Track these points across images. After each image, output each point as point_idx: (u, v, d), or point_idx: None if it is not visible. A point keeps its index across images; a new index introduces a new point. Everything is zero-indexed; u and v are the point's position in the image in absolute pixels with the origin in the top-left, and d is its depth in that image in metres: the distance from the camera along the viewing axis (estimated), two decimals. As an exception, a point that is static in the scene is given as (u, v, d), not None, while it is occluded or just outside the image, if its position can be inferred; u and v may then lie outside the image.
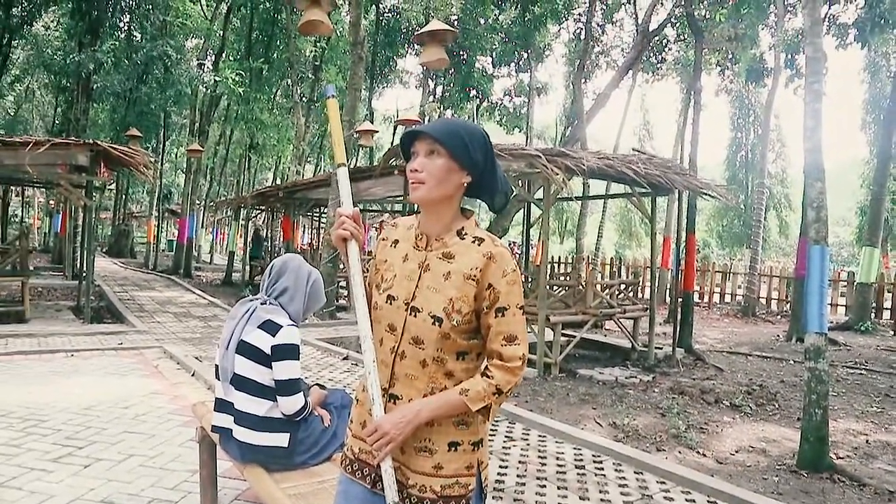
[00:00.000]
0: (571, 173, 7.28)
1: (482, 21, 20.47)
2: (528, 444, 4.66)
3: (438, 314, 1.51)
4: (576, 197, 12.74)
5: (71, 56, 15.26)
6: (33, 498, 3.28)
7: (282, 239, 16.92)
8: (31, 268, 10.52)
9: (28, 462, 3.77)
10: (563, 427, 4.96)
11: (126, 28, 18.72)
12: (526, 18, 19.31)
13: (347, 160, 11.14)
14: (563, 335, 7.92)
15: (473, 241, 1.58)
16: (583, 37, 18.77)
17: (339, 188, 1.68)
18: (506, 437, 4.82)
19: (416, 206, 1.67)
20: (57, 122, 22.92)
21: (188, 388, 5.84)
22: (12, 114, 26.61)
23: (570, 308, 8.12)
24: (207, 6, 21.78)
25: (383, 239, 1.72)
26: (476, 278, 1.52)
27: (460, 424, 1.56)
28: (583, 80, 18.02)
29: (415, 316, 1.54)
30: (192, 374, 6.37)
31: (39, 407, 4.94)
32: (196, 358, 7.11)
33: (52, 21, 20.31)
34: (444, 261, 1.57)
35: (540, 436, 4.89)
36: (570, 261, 22.02)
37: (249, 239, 18.99)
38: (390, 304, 1.58)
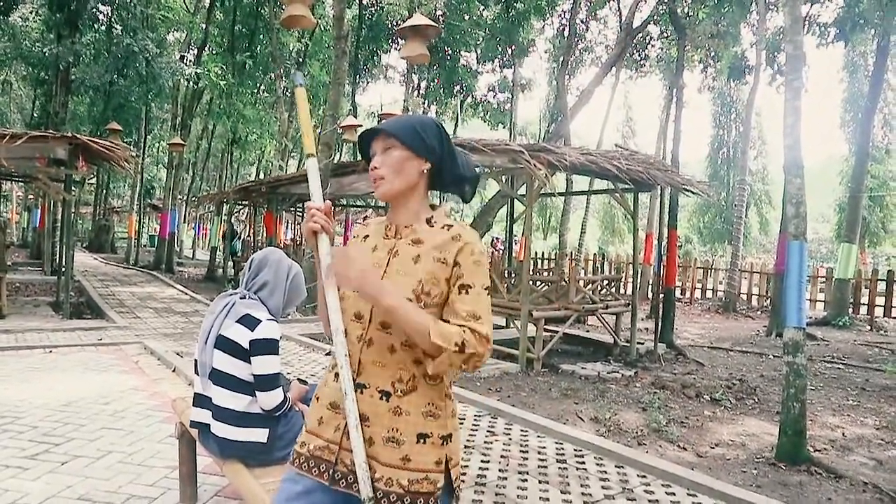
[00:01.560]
0: (554, 169, 7.31)
1: (466, 17, 20.45)
2: (510, 439, 4.67)
3: (408, 296, 1.50)
4: (559, 193, 12.79)
5: (49, 48, 15.02)
6: (8, 496, 3.23)
7: (264, 234, 16.81)
8: (9, 263, 10.34)
9: (3, 459, 3.71)
10: (546, 422, 4.98)
11: (106, 20, 18.45)
12: (510, 14, 19.32)
13: (331, 155, 11.03)
14: (546, 330, 7.95)
15: (443, 228, 1.59)
16: (566, 33, 18.83)
17: (308, 180, 1.65)
18: (488, 431, 4.83)
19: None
20: (35, 114, 22.57)
21: (168, 384, 5.79)
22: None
23: (553, 303, 8.15)
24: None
25: (354, 236, 1.73)
26: (445, 259, 1.53)
27: (429, 416, 1.53)
28: (566, 77, 18.07)
29: None
30: (173, 370, 6.32)
31: (16, 403, 4.87)
32: (177, 354, 7.04)
33: (29, 12, 19.96)
34: (413, 246, 1.58)
35: (522, 430, 4.90)
36: (553, 256, 22.12)
37: (223, 234, 18.87)
38: (357, 292, 1.57)
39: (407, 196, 1.61)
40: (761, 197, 35.09)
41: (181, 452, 3.18)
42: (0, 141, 8.10)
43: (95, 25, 17.77)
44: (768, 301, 15.03)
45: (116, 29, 18.06)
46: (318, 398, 1.67)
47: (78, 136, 9.37)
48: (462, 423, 4.99)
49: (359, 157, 16.73)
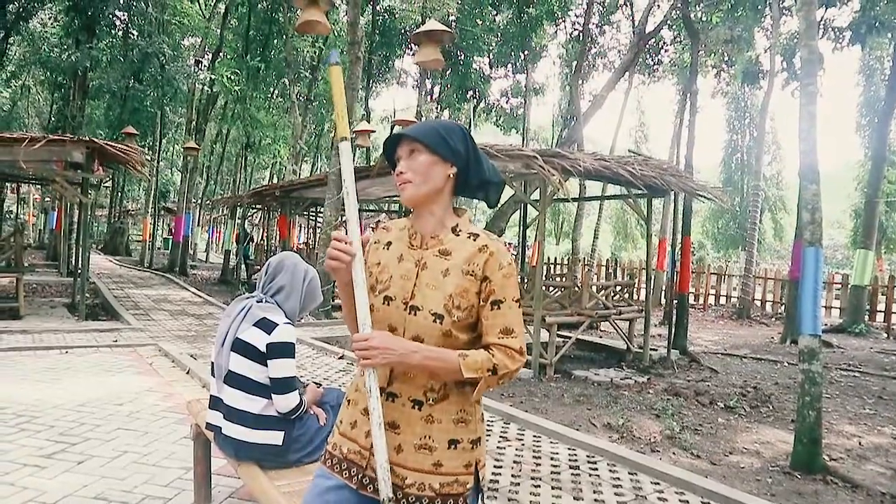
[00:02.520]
0: (568, 174, 7.29)
1: (479, 22, 20.49)
2: (522, 445, 4.66)
3: (439, 311, 1.52)
4: (572, 198, 12.76)
5: (67, 53, 15.22)
6: (26, 494, 3.27)
7: (278, 238, 16.92)
8: (26, 264, 10.46)
9: (21, 458, 3.76)
10: (558, 427, 4.97)
11: (123, 26, 18.68)
12: (522, 19, 19.33)
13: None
14: (559, 336, 7.93)
15: (469, 237, 1.59)
16: (580, 38, 18.81)
17: (340, 165, 1.59)
18: (500, 437, 4.83)
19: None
20: (53, 118, 22.87)
21: (182, 386, 5.83)
22: (8, 110, 26.52)
23: (566, 309, 8.13)
24: (205, 5, 21.77)
25: (375, 242, 1.70)
26: (474, 273, 1.54)
27: (459, 422, 1.56)
28: (579, 82, 18.05)
29: (415, 314, 1.53)
30: (187, 372, 6.36)
31: (33, 403, 4.93)
32: (191, 356, 7.09)
33: (48, 18, 20.24)
34: (442, 258, 1.57)
35: (535, 436, 4.89)
36: (566, 262, 22.05)
37: (235, 237, 18.99)
38: (388, 304, 1.57)
39: (432, 201, 1.60)
40: (775, 203, 34.77)
41: (196, 454, 3.20)
42: (19, 144, 8.21)
43: (112, 31, 17.98)
44: (783, 308, 14.91)
45: (133, 34, 18.29)
46: (349, 402, 1.68)
47: (94, 139, 9.48)
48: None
49: (372, 163, 16.79)
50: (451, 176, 1.60)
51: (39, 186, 24.25)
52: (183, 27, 20.18)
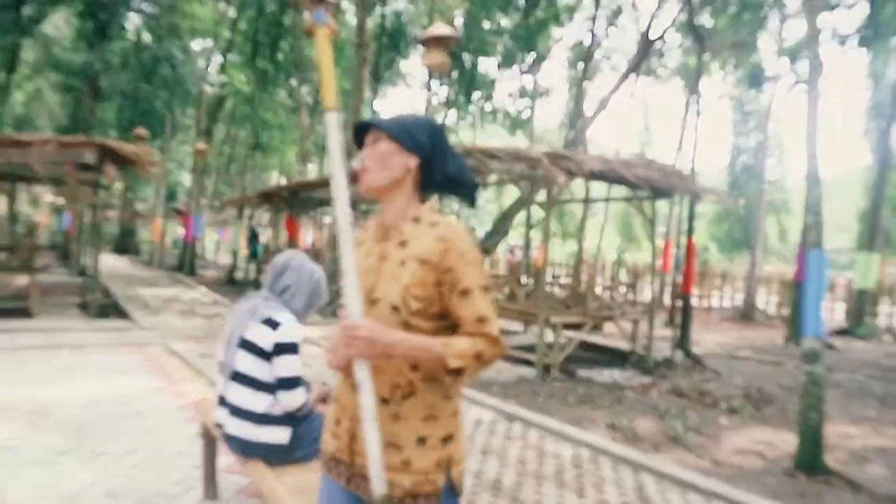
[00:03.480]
0: (573, 176, 7.34)
1: (486, 23, 20.52)
2: (526, 444, 4.70)
3: (396, 302, 1.50)
4: (577, 200, 12.78)
5: (80, 56, 15.37)
6: (38, 490, 3.34)
7: (286, 238, 17.00)
8: (39, 265, 10.57)
9: (33, 455, 3.83)
10: (562, 427, 5.00)
11: (134, 29, 18.84)
12: (529, 22, 19.36)
13: (350, 161, 11.13)
14: (563, 336, 7.96)
15: (429, 226, 1.57)
16: (586, 42, 18.82)
17: (328, 139, 1.48)
18: (504, 436, 4.87)
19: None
20: (64, 120, 23.04)
21: (191, 385, 5.89)
22: (21, 113, 26.72)
23: (571, 310, 8.17)
24: (215, 8, 21.90)
25: (357, 244, 1.69)
26: (432, 262, 1.50)
27: (428, 419, 1.52)
28: (585, 84, 18.05)
29: (375, 307, 1.53)
30: (196, 372, 6.43)
31: (45, 401, 5.00)
32: (200, 355, 7.16)
33: (62, 21, 20.41)
34: (401, 248, 1.56)
35: (538, 435, 4.93)
36: (571, 263, 22.04)
37: (245, 237, 19.08)
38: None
39: (392, 192, 1.58)
40: (780, 205, 34.67)
41: (204, 451, 3.26)
42: (31, 146, 8.31)
43: (124, 34, 18.14)
44: (787, 310, 14.88)
45: (144, 38, 18.44)
46: (334, 398, 1.69)
47: (106, 141, 9.58)
48: (478, 427, 5.04)
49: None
50: (412, 167, 1.57)
51: (52, 187, 24.43)
52: (193, 30, 20.31)
